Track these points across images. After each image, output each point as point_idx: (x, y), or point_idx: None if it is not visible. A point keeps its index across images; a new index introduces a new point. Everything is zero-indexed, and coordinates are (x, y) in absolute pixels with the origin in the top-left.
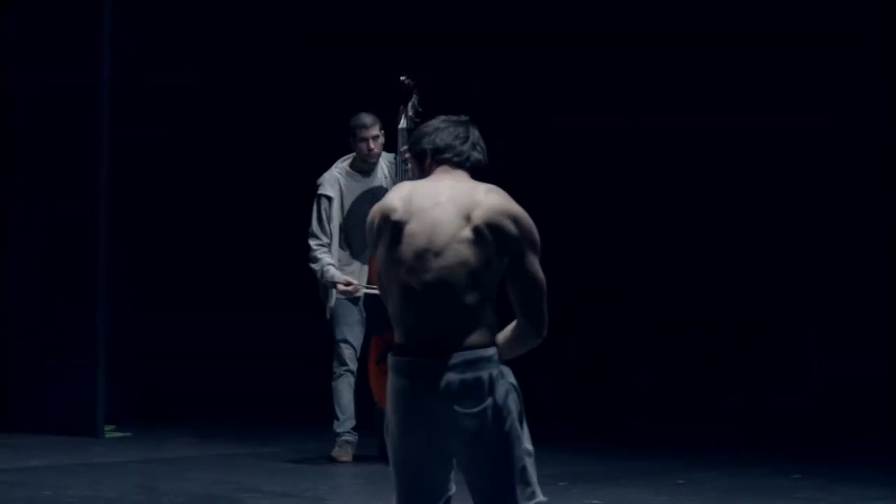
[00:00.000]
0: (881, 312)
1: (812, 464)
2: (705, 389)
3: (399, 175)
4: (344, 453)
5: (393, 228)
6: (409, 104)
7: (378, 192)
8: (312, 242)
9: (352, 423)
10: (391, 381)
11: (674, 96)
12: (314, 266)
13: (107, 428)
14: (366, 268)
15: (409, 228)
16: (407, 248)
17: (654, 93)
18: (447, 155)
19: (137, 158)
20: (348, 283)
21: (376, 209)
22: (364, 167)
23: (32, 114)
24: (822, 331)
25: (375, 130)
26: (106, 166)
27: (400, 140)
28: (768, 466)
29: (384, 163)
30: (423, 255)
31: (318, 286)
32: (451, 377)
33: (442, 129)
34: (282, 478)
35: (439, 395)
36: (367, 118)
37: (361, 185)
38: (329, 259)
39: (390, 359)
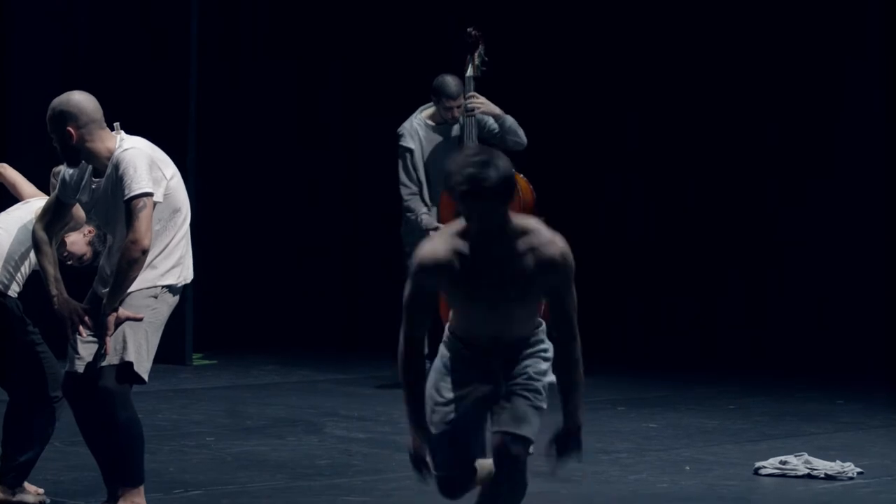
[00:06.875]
0: None
1: (852, 391)
2: (752, 320)
3: (469, 131)
4: None
5: None
6: (476, 54)
7: (454, 143)
8: (404, 192)
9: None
10: None
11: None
12: (409, 214)
13: (194, 356)
14: (435, 209)
15: None
16: None
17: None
18: None
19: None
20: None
21: None
22: (442, 121)
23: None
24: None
25: (461, 100)
26: (193, 115)
27: (466, 87)
28: (812, 393)
29: None
30: None
31: (402, 224)
32: None
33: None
34: (358, 403)
35: None
36: (454, 88)
37: (438, 136)
38: (422, 208)
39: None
